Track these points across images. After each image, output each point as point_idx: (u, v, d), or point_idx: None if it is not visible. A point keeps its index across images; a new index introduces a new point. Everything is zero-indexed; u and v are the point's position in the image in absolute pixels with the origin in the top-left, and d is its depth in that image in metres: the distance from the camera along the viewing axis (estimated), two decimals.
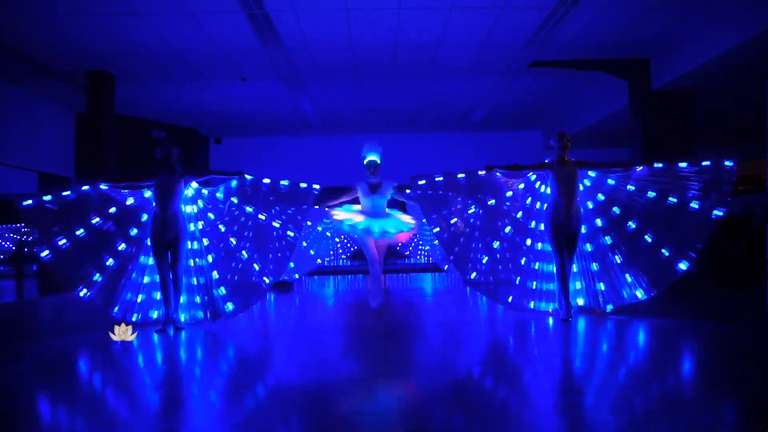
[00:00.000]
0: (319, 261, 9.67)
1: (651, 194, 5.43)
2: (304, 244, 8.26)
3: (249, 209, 5.62)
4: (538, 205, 5.76)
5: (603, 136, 13.13)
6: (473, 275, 5.67)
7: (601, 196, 5.67)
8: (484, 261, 5.66)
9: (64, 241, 5.31)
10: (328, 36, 7.89)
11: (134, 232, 5.57)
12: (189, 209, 5.64)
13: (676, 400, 2.94)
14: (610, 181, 5.66)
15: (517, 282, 5.71)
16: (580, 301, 5.70)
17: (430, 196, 5.69)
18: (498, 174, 5.72)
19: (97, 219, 5.44)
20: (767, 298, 6.20)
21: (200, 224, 5.67)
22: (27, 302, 8.81)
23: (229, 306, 5.53)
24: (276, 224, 5.63)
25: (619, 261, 5.53)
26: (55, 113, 10.91)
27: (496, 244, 5.70)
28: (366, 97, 11.03)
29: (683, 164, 5.40)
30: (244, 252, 5.59)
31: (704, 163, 5.29)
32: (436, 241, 6.68)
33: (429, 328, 5.71)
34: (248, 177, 5.68)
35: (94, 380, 3.79)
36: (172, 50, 8.18)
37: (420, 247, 11.56)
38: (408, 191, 6.34)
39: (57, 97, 10.52)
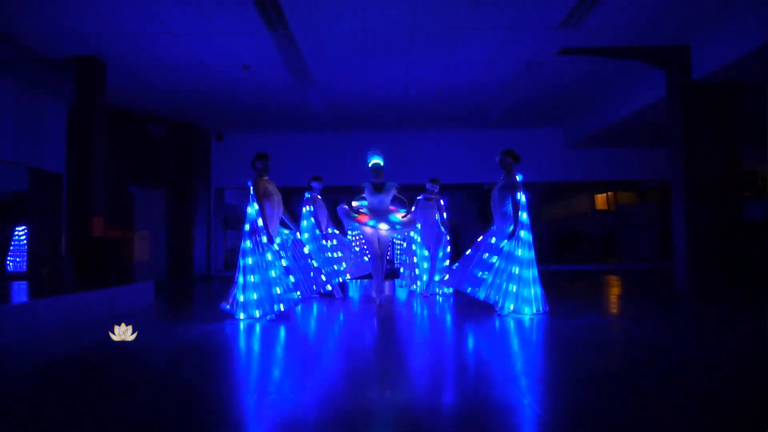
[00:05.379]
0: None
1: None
2: (357, 248, 8.86)
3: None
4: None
5: (634, 133, 12.26)
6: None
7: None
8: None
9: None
10: (339, 22, 7.26)
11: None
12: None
13: (681, 401, 2.97)
14: None
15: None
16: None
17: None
18: None
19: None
20: None
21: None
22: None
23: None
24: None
25: None
26: (47, 105, 10.30)
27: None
28: (378, 89, 10.29)
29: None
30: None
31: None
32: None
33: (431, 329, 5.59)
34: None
35: None
36: (167, 34, 7.51)
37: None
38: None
39: (49, 89, 9.92)
